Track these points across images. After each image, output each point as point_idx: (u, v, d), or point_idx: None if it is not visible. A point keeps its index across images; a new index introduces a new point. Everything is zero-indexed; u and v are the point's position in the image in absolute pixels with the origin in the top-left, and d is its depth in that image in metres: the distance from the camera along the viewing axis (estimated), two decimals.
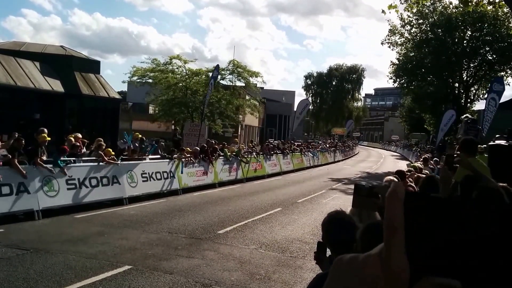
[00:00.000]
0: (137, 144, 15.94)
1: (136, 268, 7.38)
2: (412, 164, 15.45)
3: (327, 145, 42.57)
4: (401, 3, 27.24)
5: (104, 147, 13.30)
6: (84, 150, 13.58)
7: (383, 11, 18.59)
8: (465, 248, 1.94)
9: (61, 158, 11.64)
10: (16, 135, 10.98)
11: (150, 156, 15.69)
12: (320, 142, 45.02)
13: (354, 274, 2.04)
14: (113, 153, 13.68)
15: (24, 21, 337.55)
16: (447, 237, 1.97)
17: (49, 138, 11.88)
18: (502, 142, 7.63)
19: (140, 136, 16.46)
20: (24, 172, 10.50)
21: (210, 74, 31.47)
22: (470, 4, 18.81)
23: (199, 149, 18.14)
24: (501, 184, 4.43)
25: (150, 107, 40.12)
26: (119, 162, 13.45)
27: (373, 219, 3.20)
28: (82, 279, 6.78)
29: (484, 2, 17.90)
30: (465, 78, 39.69)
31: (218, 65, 24.56)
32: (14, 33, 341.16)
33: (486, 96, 26.06)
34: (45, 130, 11.97)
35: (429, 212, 2.02)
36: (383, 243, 1.91)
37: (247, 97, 37.12)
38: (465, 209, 2.04)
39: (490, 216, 1.99)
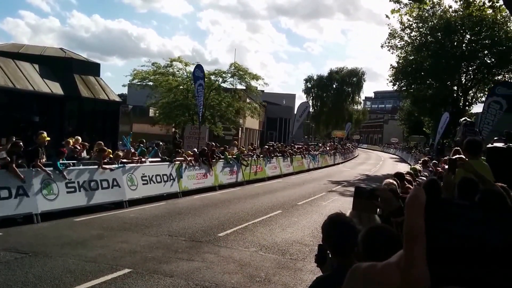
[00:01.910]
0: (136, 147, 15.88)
1: (136, 271, 7.36)
2: (412, 167, 15.46)
3: (327, 148, 42.60)
4: (401, 7, 27.32)
5: (105, 152, 13.22)
6: (84, 154, 13.55)
7: (387, 16, 18.88)
8: (489, 256, 1.87)
9: (60, 161, 11.62)
10: (14, 139, 10.90)
11: (150, 159, 15.66)
12: (320, 145, 44.97)
13: (371, 284, 1.99)
14: (111, 156, 13.59)
15: (21, 22, 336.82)
16: (471, 244, 1.89)
17: (48, 138, 11.85)
18: (500, 144, 7.66)
19: (139, 140, 16.36)
20: (23, 176, 10.46)
21: (212, 77, 31.54)
22: (472, 7, 18.93)
23: (197, 151, 18.10)
24: (500, 184, 4.43)
25: (150, 110, 40.12)
26: (114, 167, 13.24)
27: (373, 221, 3.20)
28: (81, 282, 6.75)
29: (485, 5, 18.02)
30: (463, 81, 39.70)
31: (198, 64, 24.41)
32: (12, 35, 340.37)
33: (484, 99, 26.02)
34: (45, 132, 11.95)
35: (453, 217, 1.95)
36: (403, 250, 1.83)
37: (248, 100, 37.10)
38: (491, 216, 1.96)
39: None
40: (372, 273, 1.98)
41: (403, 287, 1.82)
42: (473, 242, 1.86)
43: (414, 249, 1.77)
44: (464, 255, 1.88)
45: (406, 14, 26.29)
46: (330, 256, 2.92)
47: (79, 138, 14.04)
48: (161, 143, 19.41)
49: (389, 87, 43.48)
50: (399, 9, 18.27)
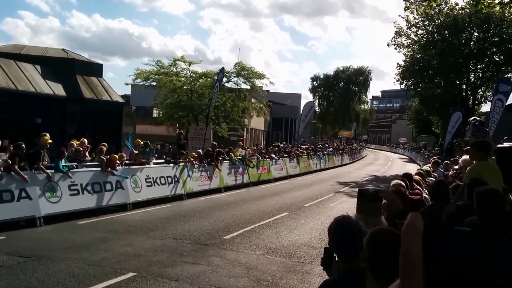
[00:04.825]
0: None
1: (141, 275, 7.26)
2: (420, 168, 15.24)
3: (332, 148, 42.29)
4: (412, 6, 27.13)
5: (105, 151, 13.09)
6: (87, 156, 13.44)
7: (407, 21, 18.72)
8: (486, 280, 1.86)
9: (63, 163, 11.51)
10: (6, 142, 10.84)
11: (154, 161, 15.51)
12: (327, 145, 44.76)
13: None
14: (118, 161, 13.45)
15: (21, 23, 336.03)
16: (470, 269, 1.88)
17: (50, 140, 11.76)
18: (510, 144, 7.56)
19: (141, 142, 16.18)
20: (26, 177, 10.36)
21: (216, 77, 31.43)
22: (481, 4, 18.74)
23: (202, 152, 17.95)
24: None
25: (154, 111, 40.08)
26: (115, 172, 13.04)
27: (380, 224, 3.11)
28: (85, 287, 6.68)
29: (495, 2, 17.86)
30: (472, 79, 39.33)
31: (223, 68, 24.27)
32: (12, 35, 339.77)
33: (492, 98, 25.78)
34: (47, 134, 11.85)
35: (453, 248, 1.94)
36: (399, 280, 1.75)
37: (253, 100, 36.93)
38: (488, 241, 1.94)
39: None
40: None
41: None
42: (475, 276, 1.83)
43: (412, 280, 1.69)
44: (464, 279, 1.86)
45: (414, 12, 26.08)
46: (336, 259, 2.84)
47: (85, 140, 13.93)
48: (166, 144, 19.25)
49: (397, 86, 43.19)
50: (412, 3, 18.19)
